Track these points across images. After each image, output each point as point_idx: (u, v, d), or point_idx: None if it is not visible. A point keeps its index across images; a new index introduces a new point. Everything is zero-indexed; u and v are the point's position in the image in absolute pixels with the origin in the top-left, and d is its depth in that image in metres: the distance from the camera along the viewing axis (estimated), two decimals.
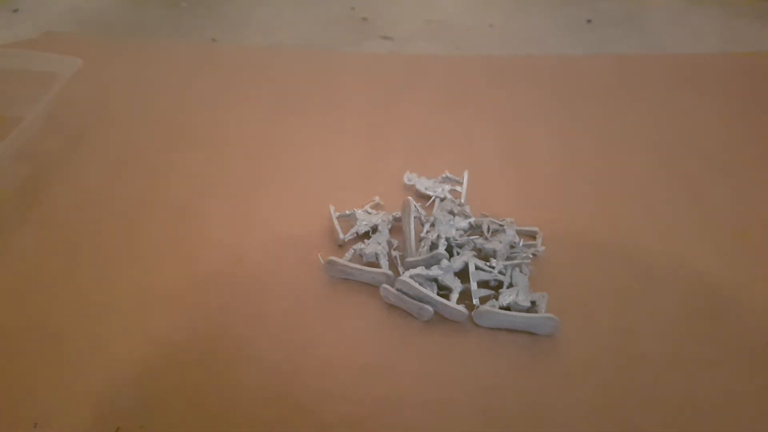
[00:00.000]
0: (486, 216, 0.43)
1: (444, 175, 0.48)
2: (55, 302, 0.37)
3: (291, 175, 0.48)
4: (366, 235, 0.42)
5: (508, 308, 0.36)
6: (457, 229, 0.41)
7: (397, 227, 0.43)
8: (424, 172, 0.48)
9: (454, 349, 0.35)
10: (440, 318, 0.37)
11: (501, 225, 0.42)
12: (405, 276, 0.37)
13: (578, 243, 0.42)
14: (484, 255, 0.40)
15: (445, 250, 0.39)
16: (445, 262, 0.38)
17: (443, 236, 0.40)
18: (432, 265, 0.38)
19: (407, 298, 0.37)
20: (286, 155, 0.51)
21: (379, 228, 0.42)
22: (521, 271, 0.39)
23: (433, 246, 0.40)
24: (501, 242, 0.40)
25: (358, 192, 0.46)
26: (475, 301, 0.37)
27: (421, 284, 0.37)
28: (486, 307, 0.36)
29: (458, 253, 0.40)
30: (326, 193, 0.46)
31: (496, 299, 0.37)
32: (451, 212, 0.43)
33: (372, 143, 0.52)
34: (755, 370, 0.34)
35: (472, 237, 0.41)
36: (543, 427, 0.31)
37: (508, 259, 0.39)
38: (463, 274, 0.38)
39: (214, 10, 0.78)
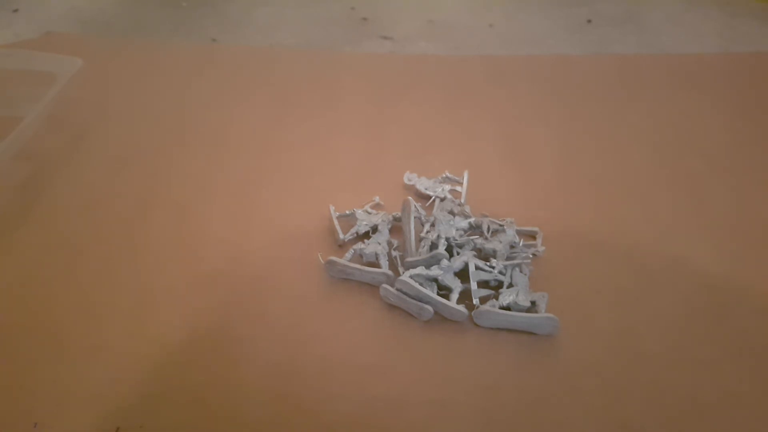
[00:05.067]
0: (486, 216, 0.43)
1: (444, 175, 0.48)
2: (55, 302, 0.37)
3: (291, 175, 0.48)
4: (366, 235, 0.42)
5: (508, 308, 0.36)
6: (457, 229, 0.41)
7: (397, 227, 0.43)
8: (424, 172, 0.48)
9: (454, 349, 0.35)
10: (440, 318, 0.37)
11: (501, 225, 0.42)
12: (405, 276, 0.37)
13: (578, 243, 0.42)
14: (484, 255, 0.40)
15: (445, 250, 0.39)
16: (445, 262, 0.38)
17: (443, 236, 0.40)
18: (432, 265, 0.38)
19: (407, 298, 0.37)
20: (286, 155, 0.51)
21: (379, 228, 0.42)
22: (521, 271, 0.39)
23: (433, 246, 0.40)
24: (501, 242, 0.40)
25: (358, 192, 0.46)
26: (475, 301, 0.37)
27: (421, 284, 0.37)
28: (486, 307, 0.36)
29: (458, 253, 0.40)
30: (326, 193, 0.46)
31: (496, 299, 0.37)
32: (451, 212, 0.43)
33: (372, 143, 0.52)
34: (755, 370, 0.34)
35: (472, 237, 0.41)
36: (543, 427, 0.31)
37: (508, 259, 0.39)
38: (463, 274, 0.38)
39: (214, 10, 0.78)
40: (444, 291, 0.38)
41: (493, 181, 0.48)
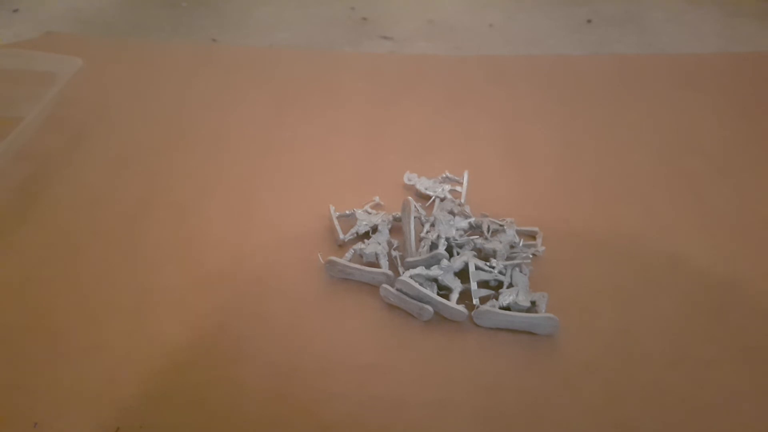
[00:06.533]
0: (486, 216, 0.43)
1: (444, 175, 0.48)
2: (55, 302, 0.37)
3: (291, 175, 0.48)
4: (366, 235, 0.42)
5: (508, 308, 0.36)
6: (457, 229, 0.41)
7: (397, 227, 0.43)
8: (424, 172, 0.48)
9: (454, 349, 0.35)
10: (440, 318, 0.37)
11: (501, 225, 0.42)
12: (405, 276, 0.37)
13: (578, 243, 0.42)
14: (484, 255, 0.40)
15: (445, 250, 0.39)
16: (445, 262, 0.38)
17: (443, 236, 0.40)
18: (432, 265, 0.38)
19: (407, 298, 0.37)
20: (286, 155, 0.51)
21: (379, 228, 0.42)
22: (521, 271, 0.39)
23: (433, 246, 0.40)
24: (501, 242, 0.40)
25: (358, 192, 0.46)
26: (475, 301, 0.37)
27: (421, 284, 0.37)
28: (486, 307, 0.36)
29: (458, 253, 0.40)
30: (326, 193, 0.46)
31: (496, 299, 0.37)
32: (451, 212, 0.43)
33: (372, 143, 0.52)
34: (755, 370, 0.34)
35: (472, 237, 0.41)
36: (543, 427, 0.31)
37: (508, 259, 0.39)
38: (463, 274, 0.38)
39: (214, 10, 0.78)
40: (444, 291, 0.38)
41: (493, 181, 0.48)
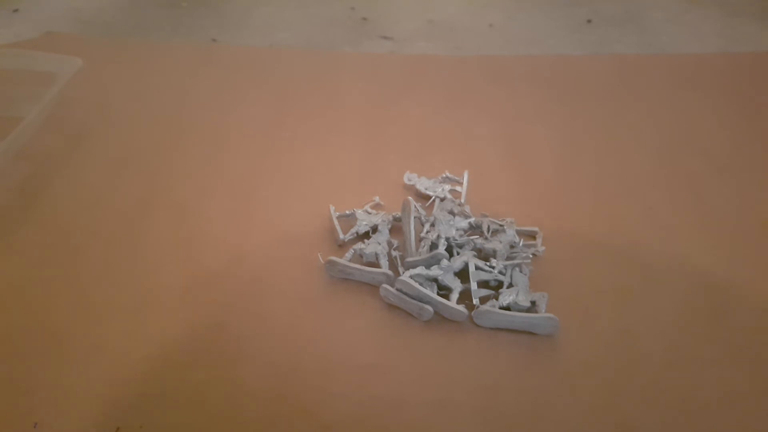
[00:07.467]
0: (486, 216, 0.43)
1: (444, 175, 0.48)
2: (55, 302, 0.37)
3: (291, 175, 0.48)
4: (366, 235, 0.42)
5: (508, 308, 0.36)
6: (457, 229, 0.41)
7: (397, 227, 0.43)
8: (424, 172, 0.48)
9: (454, 349, 0.35)
10: (440, 318, 0.37)
11: (501, 225, 0.42)
12: (405, 276, 0.37)
13: (578, 243, 0.42)
14: (484, 255, 0.40)
15: (445, 250, 0.39)
16: (445, 262, 0.38)
17: (443, 236, 0.40)
18: (432, 265, 0.38)
19: (407, 298, 0.37)
20: (287, 155, 0.51)
21: (379, 228, 0.42)
22: (521, 271, 0.39)
23: (433, 246, 0.40)
24: (501, 242, 0.40)
25: (358, 192, 0.46)
26: (475, 301, 0.37)
27: (421, 284, 0.37)
28: (486, 307, 0.36)
29: (458, 253, 0.40)
30: (326, 193, 0.46)
31: (496, 299, 0.37)
32: (451, 212, 0.43)
33: (372, 143, 0.52)
34: (754, 370, 0.34)
35: (472, 237, 0.41)
36: (543, 426, 0.31)
37: (508, 259, 0.39)
38: (463, 274, 0.38)
39: (214, 10, 0.78)
40: (444, 291, 0.38)
41: (493, 181, 0.48)
